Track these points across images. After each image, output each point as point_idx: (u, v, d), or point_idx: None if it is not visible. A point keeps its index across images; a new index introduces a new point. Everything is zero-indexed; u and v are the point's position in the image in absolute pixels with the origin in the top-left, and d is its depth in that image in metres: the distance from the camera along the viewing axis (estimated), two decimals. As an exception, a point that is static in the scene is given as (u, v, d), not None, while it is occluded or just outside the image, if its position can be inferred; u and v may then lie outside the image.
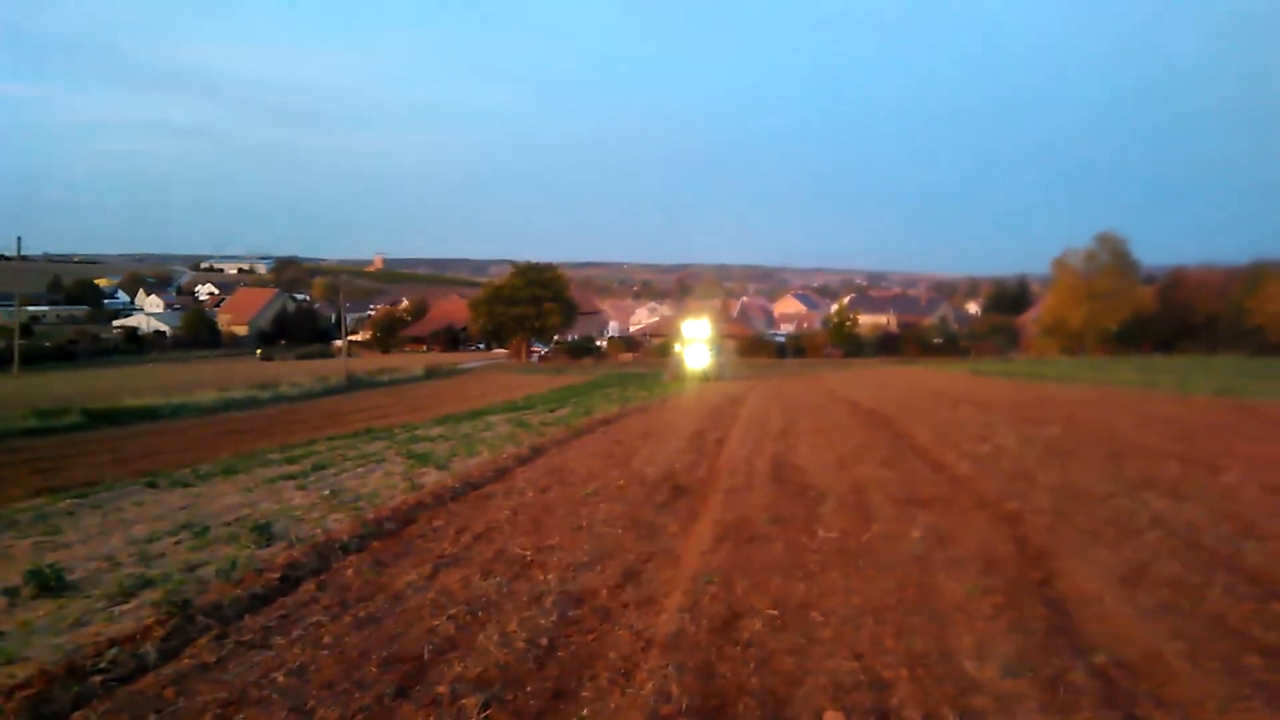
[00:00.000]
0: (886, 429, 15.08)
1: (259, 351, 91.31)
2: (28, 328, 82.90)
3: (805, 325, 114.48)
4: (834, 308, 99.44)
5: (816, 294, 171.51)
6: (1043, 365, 47.46)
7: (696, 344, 40.82)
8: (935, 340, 77.63)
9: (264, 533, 7.38)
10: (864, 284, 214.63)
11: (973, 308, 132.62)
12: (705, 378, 37.59)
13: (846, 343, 74.90)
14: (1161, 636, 4.59)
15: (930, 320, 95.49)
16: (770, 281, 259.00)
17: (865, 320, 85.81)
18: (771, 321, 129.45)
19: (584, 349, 77.84)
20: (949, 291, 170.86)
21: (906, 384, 30.48)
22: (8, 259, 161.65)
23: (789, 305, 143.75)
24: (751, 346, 75.02)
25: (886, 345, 75.65)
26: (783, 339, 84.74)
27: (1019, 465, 9.97)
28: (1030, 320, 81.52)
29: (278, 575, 6.07)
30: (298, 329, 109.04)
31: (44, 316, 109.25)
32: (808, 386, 32.86)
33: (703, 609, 5.21)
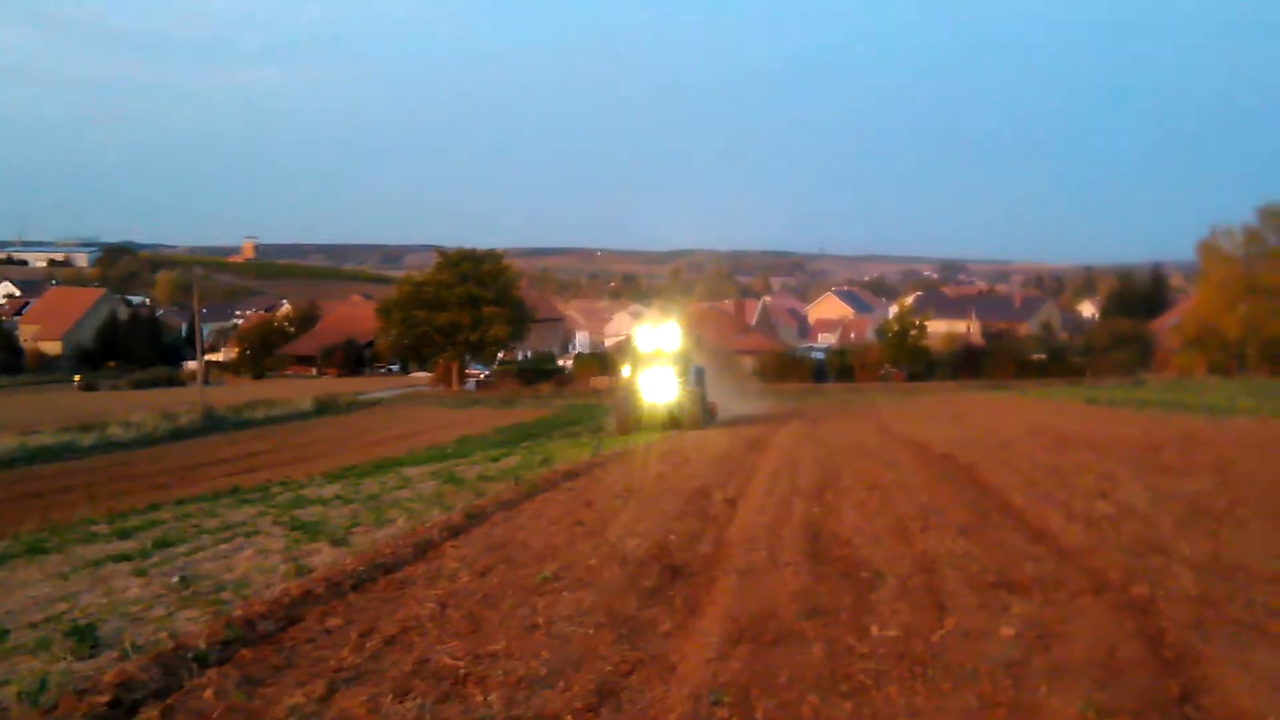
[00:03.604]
0: (966, 482, 15.13)
1: (78, 378, 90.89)
2: None
3: (853, 335, 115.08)
4: (893, 311, 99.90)
5: (868, 291, 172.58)
6: (1186, 390, 47.81)
7: (659, 366, 33.48)
8: (1035, 356, 78.15)
9: (86, 638, 7.35)
10: (935, 277, 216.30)
11: (1088, 310, 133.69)
12: (676, 423, 31.90)
13: (911, 360, 75.27)
14: (1348, 772, 4.64)
15: (1028, 328, 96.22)
16: (803, 274, 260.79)
17: (937, 328, 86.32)
18: (805, 330, 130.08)
19: (541, 371, 77.91)
20: (1054, 288, 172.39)
21: (995, 418, 30.59)
22: None
23: (830, 307, 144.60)
24: (777, 365, 75.30)
25: (967, 363, 76.08)
26: (821, 355, 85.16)
27: (1151, 533, 10.04)
28: (1168, 327, 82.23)
29: (106, 699, 6.04)
30: (133, 345, 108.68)
31: None
32: (856, 422, 32.92)
33: (708, 740, 5.23)
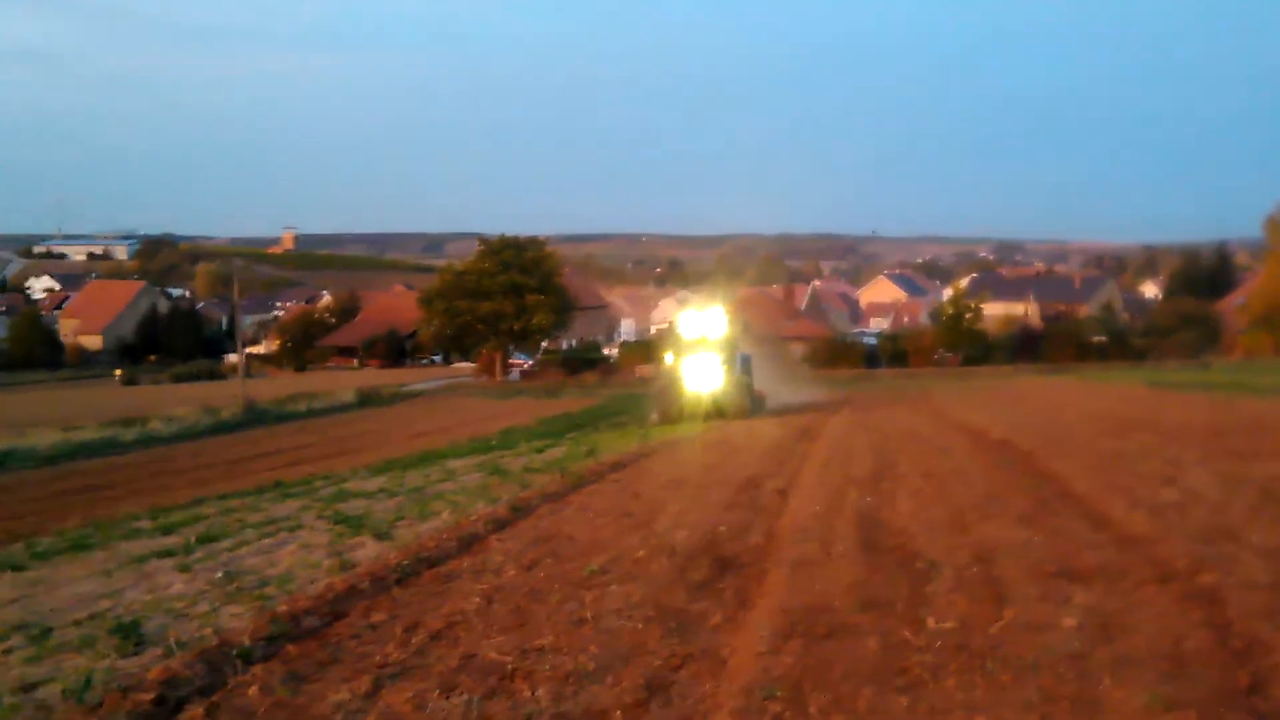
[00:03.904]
0: (1025, 469, 15.03)
1: (119, 372, 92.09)
2: None
3: (906, 319, 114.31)
4: (947, 293, 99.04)
5: (921, 274, 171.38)
6: (1253, 372, 47.09)
7: (703, 353, 32.86)
8: (1096, 338, 77.20)
9: (130, 634, 7.45)
10: (991, 259, 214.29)
11: (1151, 290, 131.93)
12: (721, 412, 31.32)
13: (967, 344, 74.65)
14: None
15: (1089, 309, 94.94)
16: (854, 257, 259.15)
17: (994, 311, 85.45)
18: (857, 315, 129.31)
19: (585, 360, 77.95)
20: (1115, 268, 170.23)
21: (1055, 403, 30.30)
22: None
23: (882, 290, 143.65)
24: (828, 351, 75.06)
25: (1025, 347, 75.32)
26: (873, 340, 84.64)
27: (1219, 519, 9.91)
28: (1235, 306, 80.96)
29: (151, 696, 6.12)
30: (174, 338, 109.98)
31: None
32: (910, 408, 32.74)
33: (760, 736, 5.22)
